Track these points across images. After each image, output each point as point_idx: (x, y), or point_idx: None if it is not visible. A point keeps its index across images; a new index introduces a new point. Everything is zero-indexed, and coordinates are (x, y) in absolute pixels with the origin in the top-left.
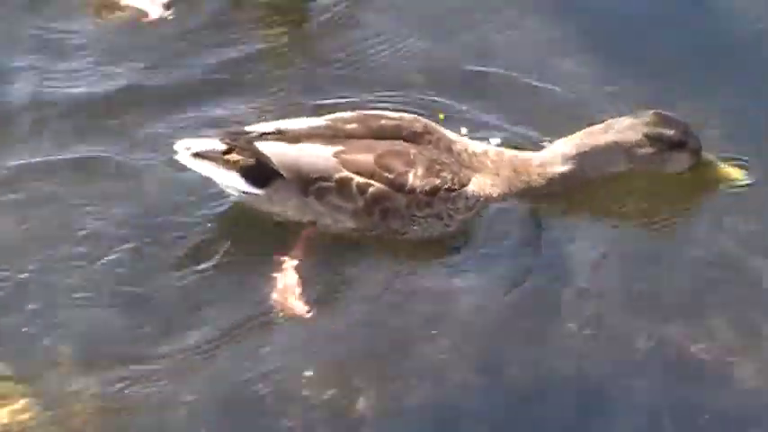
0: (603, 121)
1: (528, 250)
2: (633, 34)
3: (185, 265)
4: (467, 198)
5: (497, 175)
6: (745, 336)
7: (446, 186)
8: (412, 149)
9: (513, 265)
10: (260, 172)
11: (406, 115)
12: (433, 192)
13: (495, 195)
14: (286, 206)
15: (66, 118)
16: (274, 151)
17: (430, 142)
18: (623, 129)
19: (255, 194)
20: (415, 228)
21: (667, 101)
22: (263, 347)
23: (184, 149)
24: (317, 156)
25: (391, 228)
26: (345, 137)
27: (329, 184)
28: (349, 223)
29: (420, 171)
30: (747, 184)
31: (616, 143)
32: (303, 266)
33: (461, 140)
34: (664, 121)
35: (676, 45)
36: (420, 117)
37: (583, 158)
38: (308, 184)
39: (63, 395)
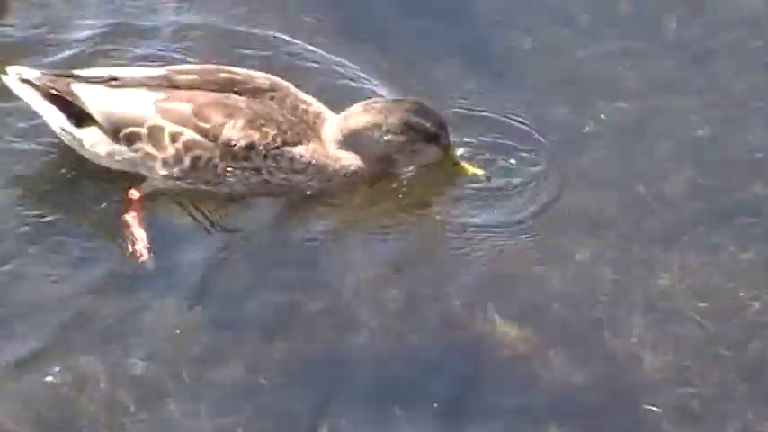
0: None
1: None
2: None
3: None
4: (292, 159)
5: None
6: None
7: (265, 142)
8: (241, 103)
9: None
10: (79, 112)
11: (254, 72)
12: (250, 146)
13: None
14: (98, 151)
15: None
16: (88, 94)
17: (272, 99)
18: (382, 110)
19: (71, 134)
20: (230, 179)
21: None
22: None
23: (15, 74)
24: (133, 102)
25: (204, 178)
26: (178, 87)
27: (140, 130)
28: (161, 172)
29: (240, 123)
30: (488, 179)
31: (374, 125)
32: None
33: (315, 103)
34: (423, 111)
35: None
36: (274, 77)
37: (349, 141)
38: (118, 130)
39: None
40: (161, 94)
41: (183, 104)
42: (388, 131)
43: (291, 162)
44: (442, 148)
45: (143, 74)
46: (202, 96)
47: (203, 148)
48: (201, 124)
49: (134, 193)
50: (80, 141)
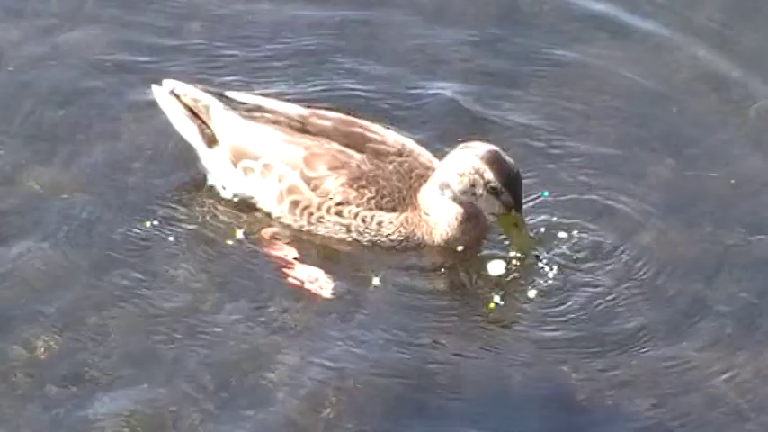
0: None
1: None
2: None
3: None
4: (380, 223)
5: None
6: None
7: (358, 202)
8: (354, 160)
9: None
10: (212, 135)
11: (392, 134)
12: (342, 203)
13: (419, 235)
14: (220, 175)
15: None
16: (221, 120)
17: (392, 162)
18: (458, 156)
19: (201, 149)
20: (320, 229)
21: None
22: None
23: (167, 88)
24: (258, 137)
25: (298, 221)
26: (309, 131)
27: (255, 164)
28: (266, 208)
29: (342, 180)
30: (537, 258)
31: (451, 173)
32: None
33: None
34: (496, 163)
35: None
36: (411, 143)
37: (435, 201)
38: (238, 160)
39: None
40: (286, 135)
41: (298, 149)
42: (459, 175)
43: (380, 226)
44: (504, 203)
45: (285, 110)
46: (319, 146)
47: (302, 194)
48: (307, 172)
49: (266, 231)
50: (207, 162)
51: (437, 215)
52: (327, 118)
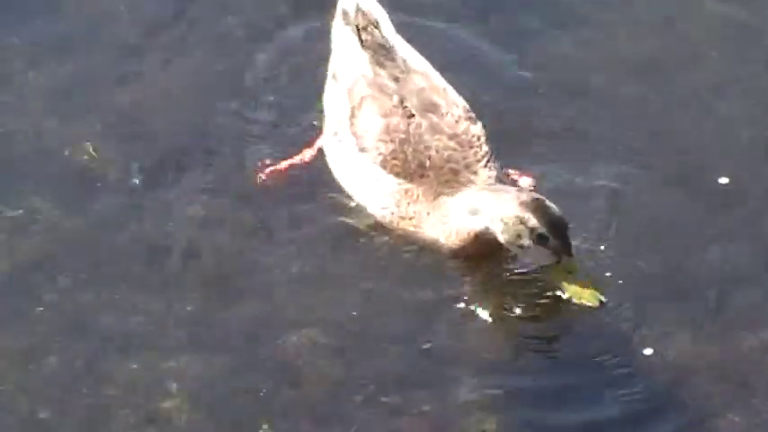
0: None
1: None
2: None
3: None
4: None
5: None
6: None
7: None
8: (404, 120)
9: None
10: None
11: (464, 123)
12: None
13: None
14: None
15: None
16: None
17: (438, 140)
18: (499, 200)
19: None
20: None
21: None
22: None
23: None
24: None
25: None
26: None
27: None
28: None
29: (379, 127)
30: (602, 303)
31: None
32: None
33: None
34: (539, 209)
35: None
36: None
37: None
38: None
39: None
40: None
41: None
42: (503, 223)
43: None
44: (554, 253)
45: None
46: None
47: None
48: (357, 112)
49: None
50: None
51: (455, 227)
52: (420, 77)
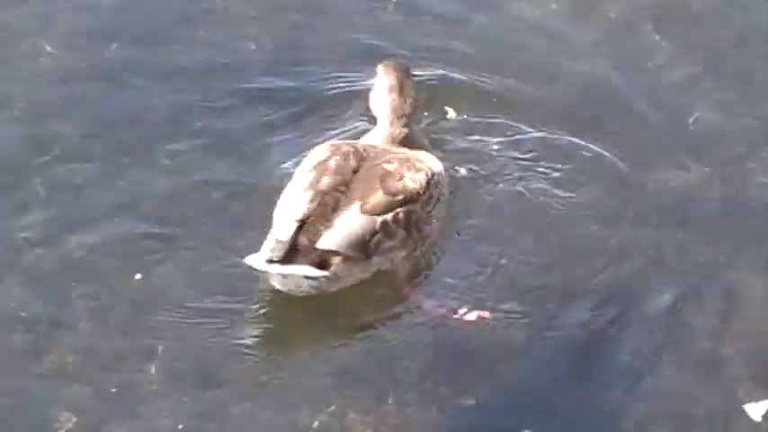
0: None
1: None
2: None
3: None
4: (435, 174)
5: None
6: None
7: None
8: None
9: None
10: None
11: (333, 144)
12: (427, 183)
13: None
14: (352, 274)
15: None
16: (337, 242)
17: (364, 159)
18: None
19: (324, 277)
20: (433, 222)
21: None
22: None
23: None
24: (356, 223)
25: (423, 234)
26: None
27: (379, 236)
28: (402, 253)
29: (408, 174)
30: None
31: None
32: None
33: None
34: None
35: None
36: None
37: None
38: (367, 247)
39: None
40: (357, 203)
41: (374, 195)
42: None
43: (437, 177)
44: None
45: (306, 199)
46: (362, 180)
47: (414, 209)
48: (397, 197)
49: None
50: (334, 278)
51: None
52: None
